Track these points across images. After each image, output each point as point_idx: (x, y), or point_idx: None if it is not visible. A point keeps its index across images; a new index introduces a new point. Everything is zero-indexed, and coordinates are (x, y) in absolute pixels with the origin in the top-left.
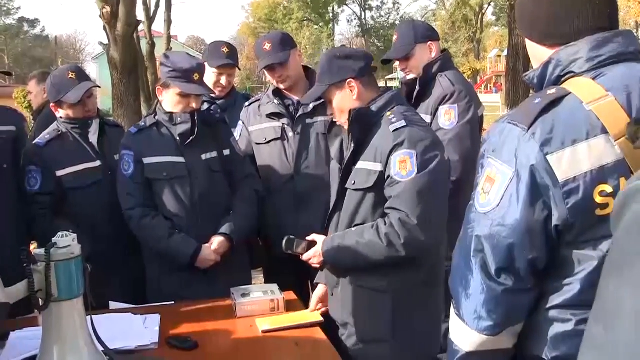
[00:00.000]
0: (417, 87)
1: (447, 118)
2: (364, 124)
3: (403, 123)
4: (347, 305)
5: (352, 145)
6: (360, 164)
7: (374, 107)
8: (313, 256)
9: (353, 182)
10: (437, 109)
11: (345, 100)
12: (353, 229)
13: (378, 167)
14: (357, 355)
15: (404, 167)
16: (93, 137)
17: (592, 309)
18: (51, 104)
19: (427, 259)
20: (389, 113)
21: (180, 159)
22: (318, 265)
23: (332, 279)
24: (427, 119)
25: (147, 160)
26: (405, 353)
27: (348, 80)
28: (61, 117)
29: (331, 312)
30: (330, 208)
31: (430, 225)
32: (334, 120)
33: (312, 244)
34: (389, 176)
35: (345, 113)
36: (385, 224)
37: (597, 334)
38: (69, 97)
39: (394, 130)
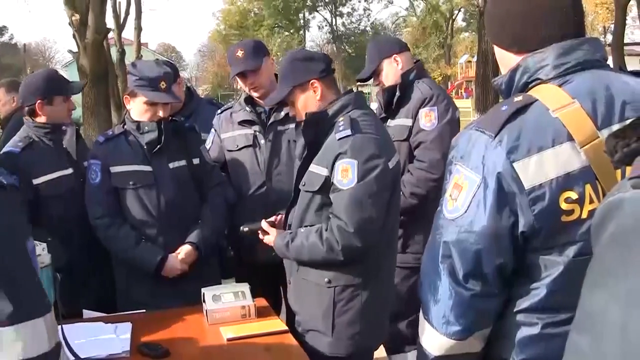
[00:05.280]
0: (398, 93)
1: (428, 120)
2: (317, 128)
3: (348, 132)
4: (296, 295)
5: (305, 146)
6: (312, 167)
7: (330, 111)
8: (266, 242)
9: (304, 183)
10: (417, 112)
11: (309, 101)
12: (302, 229)
13: (324, 172)
14: (301, 342)
15: (345, 175)
16: (70, 143)
17: (574, 320)
18: (36, 104)
19: (366, 259)
20: (341, 119)
21: (148, 168)
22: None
23: (289, 267)
24: (408, 122)
25: (114, 169)
26: (343, 346)
27: (311, 81)
28: (35, 122)
29: (288, 299)
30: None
31: (366, 233)
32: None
33: (265, 233)
34: (332, 182)
35: None
36: (327, 230)
37: (584, 345)
38: (73, 87)
39: (339, 139)
